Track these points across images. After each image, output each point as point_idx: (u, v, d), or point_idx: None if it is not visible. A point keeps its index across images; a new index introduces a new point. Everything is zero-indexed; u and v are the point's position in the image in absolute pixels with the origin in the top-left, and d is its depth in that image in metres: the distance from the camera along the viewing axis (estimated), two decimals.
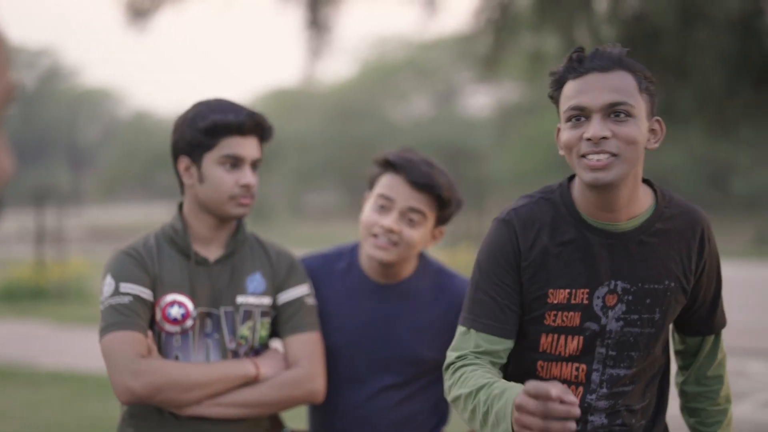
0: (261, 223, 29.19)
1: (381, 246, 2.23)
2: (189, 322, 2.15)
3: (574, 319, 1.78)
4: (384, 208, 2.24)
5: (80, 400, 6.51)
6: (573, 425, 1.48)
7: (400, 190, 2.23)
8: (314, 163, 32.03)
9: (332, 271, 2.37)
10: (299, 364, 2.19)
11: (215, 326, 2.17)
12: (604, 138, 1.68)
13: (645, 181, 1.85)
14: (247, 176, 2.14)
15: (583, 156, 1.71)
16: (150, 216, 33.80)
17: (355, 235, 2.47)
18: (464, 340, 1.78)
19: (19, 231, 25.10)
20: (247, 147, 2.15)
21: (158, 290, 2.14)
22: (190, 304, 2.15)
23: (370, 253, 2.27)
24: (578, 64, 1.75)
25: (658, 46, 8.06)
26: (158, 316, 2.14)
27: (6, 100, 0.59)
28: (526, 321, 1.81)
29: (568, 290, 1.77)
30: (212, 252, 2.20)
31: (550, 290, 1.78)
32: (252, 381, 2.14)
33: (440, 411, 2.37)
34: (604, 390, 1.81)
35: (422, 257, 2.37)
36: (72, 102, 48.55)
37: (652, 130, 1.77)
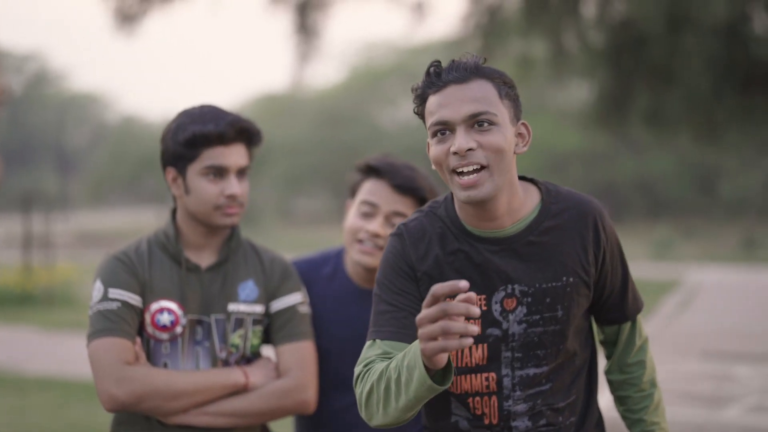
0: (249, 228, 29.10)
1: (366, 251, 2.24)
2: (178, 329, 2.12)
3: (497, 323, 1.78)
4: (368, 213, 2.25)
5: (66, 405, 6.48)
6: (475, 328, 1.47)
7: (384, 194, 2.24)
8: (302, 168, 32.03)
9: (318, 277, 2.36)
10: (290, 373, 2.15)
11: (206, 334, 2.14)
12: (470, 150, 1.68)
13: (529, 179, 1.85)
14: (233, 186, 2.11)
15: (454, 172, 1.70)
16: (138, 221, 33.69)
17: (342, 240, 2.46)
18: (370, 350, 1.75)
19: (6, 236, 24.98)
20: (231, 156, 2.11)
21: (148, 296, 2.11)
22: (179, 311, 2.12)
23: (355, 259, 2.27)
24: (436, 78, 1.73)
25: (645, 51, 8.11)
26: (147, 322, 2.11)
27: None
28: None
29: (496, 296, 1.78)
30: (204, 259, 2.18)
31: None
32: (241, 390, 2.10)
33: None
34: (519, 393, 1.80)
35: None
36: (60, 106, 48.43)
37: (519, 135, 1.76)
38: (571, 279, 1.78)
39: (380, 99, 35.57)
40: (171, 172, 2.15)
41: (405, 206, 2.24)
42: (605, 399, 2.01)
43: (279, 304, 2.20)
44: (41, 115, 47.80)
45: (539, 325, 1.77)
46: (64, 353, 8.62)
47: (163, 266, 2.14)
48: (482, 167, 1.69)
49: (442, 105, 1.71)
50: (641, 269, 16.95)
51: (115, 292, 2.08)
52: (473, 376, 1.80)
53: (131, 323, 2.07)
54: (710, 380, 7.58)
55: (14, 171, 43.73)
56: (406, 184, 2.24)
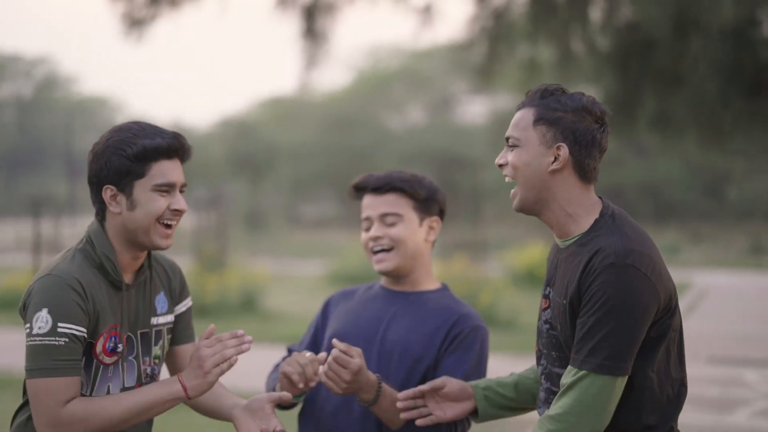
0: (256, 232, 29.12)
1: (379, 259, 2.43)
2: (121, 351, 2.14)
3: (540, 317, 2.09)
4: (367, 227, 2.47)
5: None
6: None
7: (370, 204, 2.45)
8: (309, 172, 32.06)
9: (357, 289, 2.59)
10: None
11: (131, 349, 2.16)
12: (502, 165, 2.06)
13: (605, 210, 2.03)
14: (179, 201, 2.13)
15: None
16: None
17: (349, 244, 2.57)
18: None
19: (17, 240, 25.05)
20: (176, 171, 2.13)
21: (99, 326, 2.08)
22: (120, 332, 2.13)
23: (376, 270, 2.47)
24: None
25: (652, 55, 8.10)
26: (99, 350, 2.09)
27: None
28: None
29: (544, 292, 2.09)
30: (128, 276, 2.17)
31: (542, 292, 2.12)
32: (183, 398, 2.08)
33: None
34: (544, 383, 2.06)
35: (446, 287, 2.53)
36: (69, 110, 48.53)
37: (555, 158, 2.01)
38: (564, 301, 1.96)
39: (387, 102, 35.60)
40: (109, 190, 2.10)
41: (389, 205, 2.42)
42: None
43: (182, 306, 2.31)
44: (50, 119, 47.93)
45: (556, 329, 2.00)
46: None
47: (106, 291, 2.11)
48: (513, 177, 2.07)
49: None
50: None
51: (64, 327, 2.01)
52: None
53: (77, 356, 2.03)
54: (718, 385, 7.57)
55: (24, 175, 43.85)
56: (381, 184, 2.43)
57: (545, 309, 2.04)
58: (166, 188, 2.11)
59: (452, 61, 27.53)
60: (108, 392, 2.11)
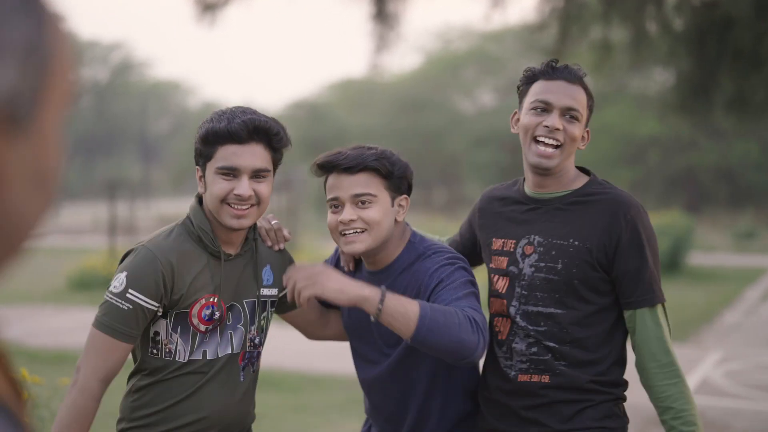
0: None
1: (350, 240, 2.26)
2: (218, 318, 2.20)
3: (502, 263, 2.35)
4: (337, 207, 2.29)
5: None
6: None
7: (340, 184, 2.26)
8: None
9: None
10: None
11: (237, 317, 2.23)
12: (558, 130, 2.26)
13: (587, 171, 2.39)
14: (242, 186, 2.10)
15: (535, 140, 2.29)
16: None
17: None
18: None
19: (93, 222, 25.74)
20: (245, 156, 2.10)
21: (189, 297, 2.15)
22: (218, 301, 2.19)
23: (345, 251, 2.31)
24: (552, 71, 2.32)
25: (730, 34, 7.87)
26: (194, 315, 2.17)
27: (68, 100, 0.61)
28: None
29: (502, 240, 2.37)
30: (231, 247, 2.23)
31: (493, 239, 2.41)
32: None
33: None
34: (521, 322, 2.29)
35: (411, 239, 2.36)
36: (143, 94, 49.49)
37: (582, 137, 2.33)
38: (576, 242, 2.24)
39: (457, 85, 35.40)
40: (198, 170, 2.19)
41: (362, 185, 2.25)
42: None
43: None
44: (125, 104, 48.95)
45: (543, 271, 2.27)
46: None
47: (201, 261, 2.17)
48: (557, 146, 2.27)
49: (549, 90, 2.29)
50: (722, 260, 16.51)
51: (133, 295, 2.11)
52: (497, 299, 2.35)
53: (136, 325, 2.13)
54: None
55: (100, 159, 44.94)
56: (354, 164, 2.24)
57: (528, 255, 2.29)
58: (227, 172, 2.10)
59: (523, 43, 27.21)
60: (203, 357, 2.18)
